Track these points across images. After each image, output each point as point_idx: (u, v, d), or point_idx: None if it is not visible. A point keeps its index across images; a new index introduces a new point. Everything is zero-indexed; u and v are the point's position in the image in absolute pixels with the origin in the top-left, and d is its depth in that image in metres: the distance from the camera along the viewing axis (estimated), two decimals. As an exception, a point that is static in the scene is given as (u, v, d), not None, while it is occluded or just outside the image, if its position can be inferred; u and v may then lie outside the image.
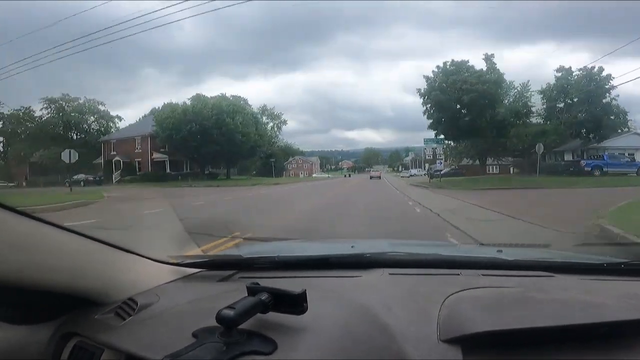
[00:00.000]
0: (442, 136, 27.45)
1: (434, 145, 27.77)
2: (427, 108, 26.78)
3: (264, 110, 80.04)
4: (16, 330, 0.85)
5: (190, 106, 34.09)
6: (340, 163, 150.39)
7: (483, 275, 1.14)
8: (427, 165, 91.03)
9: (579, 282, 1.11)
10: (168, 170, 36.73)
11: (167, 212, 5.97)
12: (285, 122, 75.93)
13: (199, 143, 33.08)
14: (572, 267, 1.24)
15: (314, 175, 70.78)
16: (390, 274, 1.15)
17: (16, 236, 0.70)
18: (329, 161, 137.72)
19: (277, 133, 73.54)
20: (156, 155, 38.03)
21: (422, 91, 26.55)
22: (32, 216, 0.72)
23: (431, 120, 26.98)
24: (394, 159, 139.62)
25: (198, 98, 35.74)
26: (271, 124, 78.05)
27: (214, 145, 32.75)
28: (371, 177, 45.37)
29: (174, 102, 35.84)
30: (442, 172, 28.24)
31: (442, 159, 27.84)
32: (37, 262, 0.73)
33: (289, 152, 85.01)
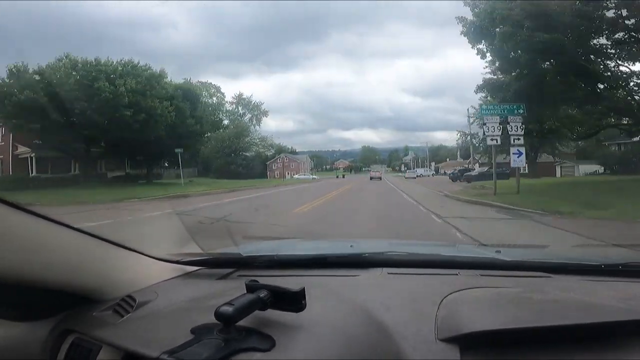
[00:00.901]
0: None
1: (494, 116, 14.11)
2: (482, 49, 14.55)
3: (239, 99, 61.10)
4: (14, 327, 0.95)
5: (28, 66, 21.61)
6: (336, 163, 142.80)
7: (481, 275, 1.25)
8: (433, 165, 72.28)
9: (576, 282, 1.22)
10: (34, 172, 24.66)
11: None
12: (266, 114, 68.04)
13: (55, 125, 20.22)
14: (570, 268, 1.36)
15: (295, 176, 53.99)
16: (388, 273, 1.26)
17: (14, 232, 0.78)
18: (324, 161, 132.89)
19: (256, 126, 65.86)
20: (21, 150, 26.06)
21: (472, 18, 14.15)
22: (30, 211, 0.80)
23: (498, 67, 15.32)
24: (394, 158, 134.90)
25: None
26: (248, 115, 59.50)
27: (89, 128, 20.91)
28: (371, 178, 44.23)
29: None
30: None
31: (521, 145, 14.50)
32: (35, 259, 0.82)
33: (272, 149, 79.51)
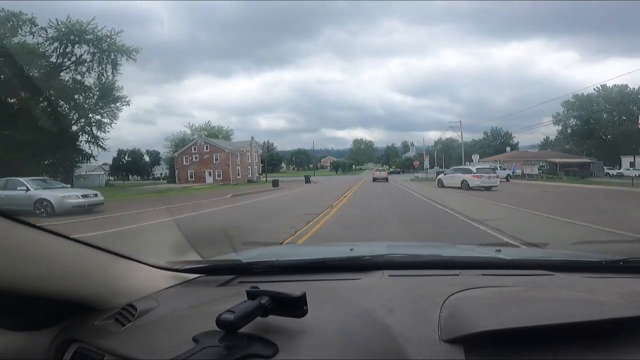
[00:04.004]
0: None
1: None
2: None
3: (60, 27, 29.58)
4: (16, 337, 0.94)
5: None
6: (323, 160, 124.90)
7: (483, 275, 1.23)
8: (476, 158, 40.74)
9: (578, 280, 1.21)
10: None
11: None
12: (129, 54, 31.11)
13: None
14: (571, 265, 1.36)
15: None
16: (389, 275, 1.24)
17: (15, 244, 0.78)
18: (309, 158, 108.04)
19: (111, 77, 32.01)
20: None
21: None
22: (31, 224, 0.81)
23: None
24: (392, 154, 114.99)
25: None
26: (88, 57, 31.49)
27: None
28: (375, 179, 32.83)
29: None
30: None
31: None
32: (36, 270, 0.82)
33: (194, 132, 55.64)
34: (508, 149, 58.57)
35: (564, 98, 55.46)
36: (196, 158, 44.40)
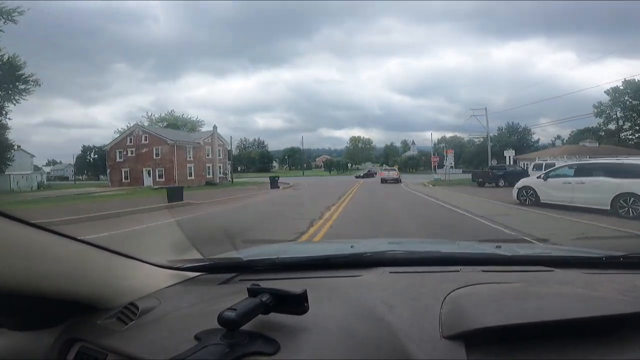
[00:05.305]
0: None
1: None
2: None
3: None
4: (19, 337, 0.95)
5: None
6: (318, 159, 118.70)
7: (483, 271, 1.23)
8: (509, 154, 31.72)
9: (578, 276, 1.21)
10: None
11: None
12: (15, 15, 24.53)
13: None
14: (571, 261, 1.36)
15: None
16: (390, 272, 1.24)
17: (17, 243, 0.78)
18: (302, 156, 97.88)
19: None
20: None
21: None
22: (32, 224, 0.81)
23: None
24: (391, 153, 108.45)
25: None
26: None
27: None
28: (383, 181, 27.82)
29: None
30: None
31: None
32: (38, 269, 0.82)
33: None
34: (559, 142, 48.46)
35: (561, 98, 47.20)
36: (132, 153, 32.79)
